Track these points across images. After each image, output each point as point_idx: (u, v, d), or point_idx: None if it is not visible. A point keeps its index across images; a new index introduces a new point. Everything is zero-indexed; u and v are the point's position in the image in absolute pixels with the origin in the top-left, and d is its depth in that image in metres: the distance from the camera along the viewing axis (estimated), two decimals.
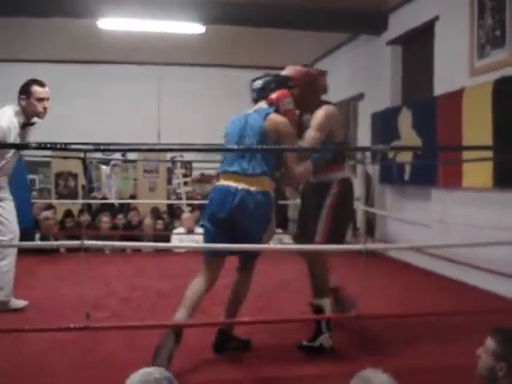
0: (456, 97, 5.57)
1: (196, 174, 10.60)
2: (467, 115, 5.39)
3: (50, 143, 3.18)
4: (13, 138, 3.90)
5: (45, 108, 4.01)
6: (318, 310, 3.51)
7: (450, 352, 3.47)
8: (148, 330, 3.68)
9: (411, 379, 2.94)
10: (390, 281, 4.07)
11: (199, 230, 7.73)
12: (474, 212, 5.21)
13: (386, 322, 3.97)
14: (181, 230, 7.78)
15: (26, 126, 4.02)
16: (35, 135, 4.20)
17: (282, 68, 3.60)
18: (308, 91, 3.53)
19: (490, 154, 4.90)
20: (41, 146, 3.15)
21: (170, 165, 9.82)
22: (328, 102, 3.64)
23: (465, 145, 5.40)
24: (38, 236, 6.44)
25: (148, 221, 7.99)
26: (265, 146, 3.18)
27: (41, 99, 3.97)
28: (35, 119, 4.09)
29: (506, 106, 4.85)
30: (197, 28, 7.53)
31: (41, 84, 4.01)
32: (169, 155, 9.26)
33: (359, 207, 7.34)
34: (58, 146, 3.21)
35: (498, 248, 4.36)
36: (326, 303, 3.49)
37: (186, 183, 9.65)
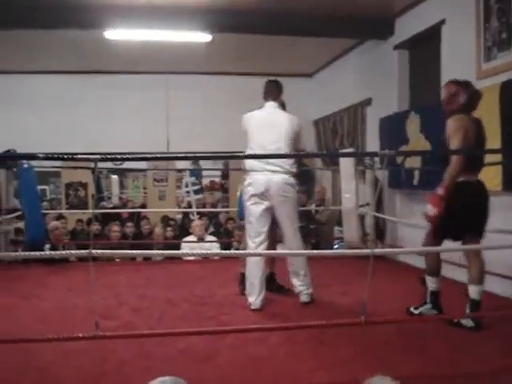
0: None
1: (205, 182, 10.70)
2: None
3: (58, 153, 3.21)
4: None
5: None
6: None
7: (459, 360, 3.43)
8: (158, 339, 3.69)
9: None
10: (399, 285, 4.05)
11: (209, 237, 7.81)
12: None
13: (396, 327, 3.94)
14: (191, 238, 7.76)
15: None
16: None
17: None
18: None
19: (499, 157, 4.87)
20: (48, 157, 3.17)
21: (179, 173, 9.90)
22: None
23: None
24: (48, 246, 6.46)
25: (158, 229, 8.01)
26: None
27: None
28: None
29: None
30: (203, 37, 7.56)
31: None
32: (177, 164, 9.32)
33: (368, 212, 7.31)
34: (66, 157, 3.22)
35: (507, 252, 4.32)
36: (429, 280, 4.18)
37: (196, 191, 9.69)
